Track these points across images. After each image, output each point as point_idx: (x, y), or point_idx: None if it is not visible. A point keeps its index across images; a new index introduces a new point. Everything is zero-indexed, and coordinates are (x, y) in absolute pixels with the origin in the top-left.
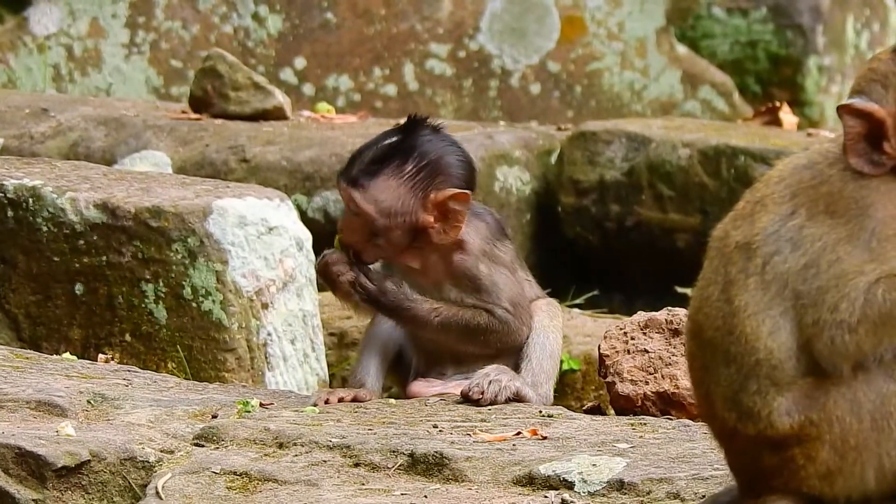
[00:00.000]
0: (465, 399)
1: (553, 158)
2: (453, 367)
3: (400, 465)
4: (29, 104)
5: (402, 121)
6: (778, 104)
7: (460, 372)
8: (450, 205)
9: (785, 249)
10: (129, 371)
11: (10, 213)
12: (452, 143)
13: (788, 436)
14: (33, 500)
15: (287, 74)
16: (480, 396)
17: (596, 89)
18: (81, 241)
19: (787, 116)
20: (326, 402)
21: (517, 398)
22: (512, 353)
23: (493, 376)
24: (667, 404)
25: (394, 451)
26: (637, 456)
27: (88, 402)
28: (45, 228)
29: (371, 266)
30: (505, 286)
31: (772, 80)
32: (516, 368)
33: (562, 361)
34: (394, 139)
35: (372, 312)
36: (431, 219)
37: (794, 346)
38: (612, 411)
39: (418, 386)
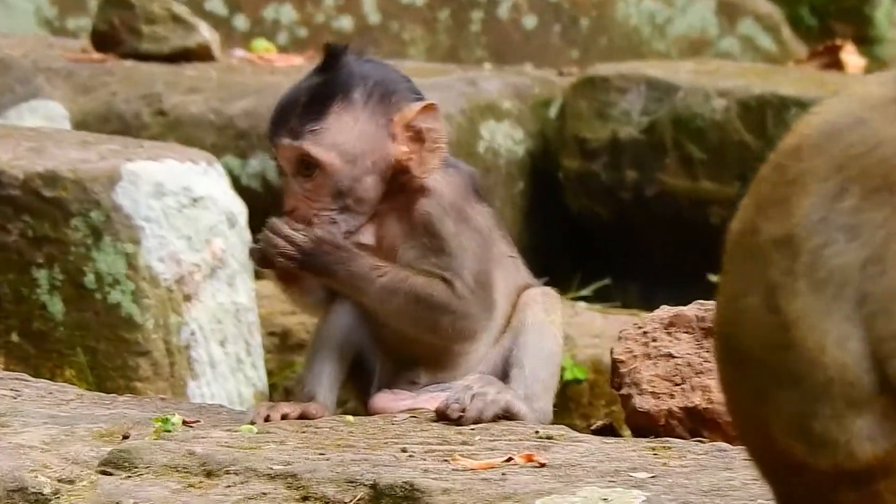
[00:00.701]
0: (442, 418)
1: (553, 111)
2: (427, 375)
3: (360, 499)
4: None
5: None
6: (839, 42)
7: (436, 381)
8: (420, 123)
9: (838, 239)
10: (17, 379)
11: None
12: (384, 64)
13: (872, 466)
14: None
15: (214, 4)
16: (461, 415)
17: (607, 23)
18: None
19: (852, 57)
20: (267, 419)
21: (507, 415)
22: (462, 350)
23: (476, 389)
24: (697, 423)
25: (352, 482)
26: (660, 488)
27: None
28: None
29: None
30: (473, 255)
31: (831, 11)
32: (504, 377)
33: (563, 369)
34: (320, 77)
35: (313, 303)
36: (405, 148)
37: (867, 355)
38: (628, 432)
39: (383, 399)
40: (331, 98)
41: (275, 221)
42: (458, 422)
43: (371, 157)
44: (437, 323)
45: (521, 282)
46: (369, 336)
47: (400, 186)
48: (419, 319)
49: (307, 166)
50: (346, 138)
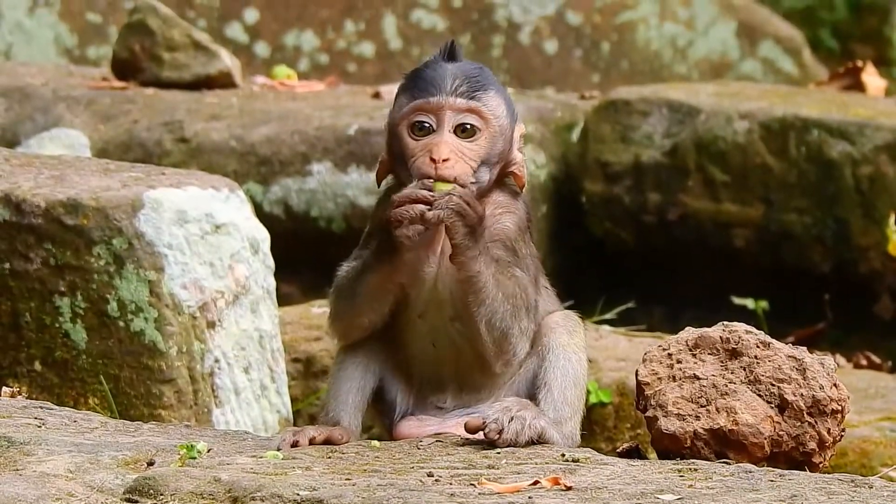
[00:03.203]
0: (473, 432)
1: (575, 135)
2: (455, 399)
3: None
4: None
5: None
6: (860, 63)
7: (462, 405)
8: (522, 142)
9: None
10: (41, 408)
11: None
12: None
13: None
14: None
15: (235, 31)
16: (497, 437)
17: (628, 47)
18: None
19: (873, 79)
20: (295, 444)
21: (539, 441)
22: (495, 372)
23: (515, 411)
24: (723, 445)
25: None
26: None
27: None
28: None
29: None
30: (533, 276)
31: (852, 34)
32: (531, 401)
33: (588, 392)
34: (458, 62)
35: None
36: (520, 155)
37: None
38: (654, 454)
39: (408, 425)
40: (487, 78)
41: (456, 189)
42: (493, 444)
43: (505, 145)
44: (512, 325)
45: (551, 308)
46: (391, 363)
47: (485, 192)
48: (505, 312)
49: (465, 128)
50: (500, 115)
